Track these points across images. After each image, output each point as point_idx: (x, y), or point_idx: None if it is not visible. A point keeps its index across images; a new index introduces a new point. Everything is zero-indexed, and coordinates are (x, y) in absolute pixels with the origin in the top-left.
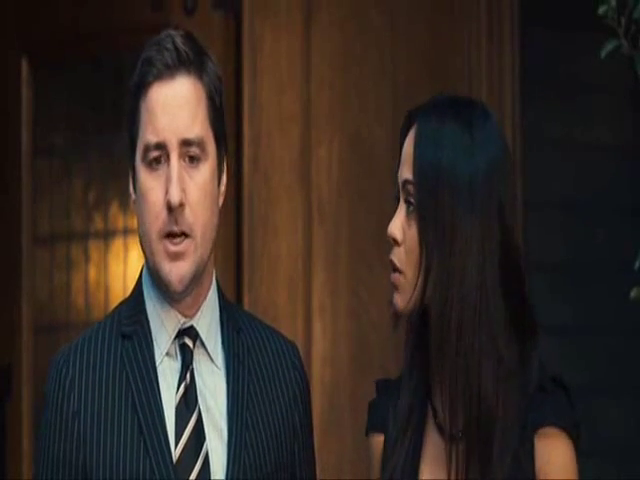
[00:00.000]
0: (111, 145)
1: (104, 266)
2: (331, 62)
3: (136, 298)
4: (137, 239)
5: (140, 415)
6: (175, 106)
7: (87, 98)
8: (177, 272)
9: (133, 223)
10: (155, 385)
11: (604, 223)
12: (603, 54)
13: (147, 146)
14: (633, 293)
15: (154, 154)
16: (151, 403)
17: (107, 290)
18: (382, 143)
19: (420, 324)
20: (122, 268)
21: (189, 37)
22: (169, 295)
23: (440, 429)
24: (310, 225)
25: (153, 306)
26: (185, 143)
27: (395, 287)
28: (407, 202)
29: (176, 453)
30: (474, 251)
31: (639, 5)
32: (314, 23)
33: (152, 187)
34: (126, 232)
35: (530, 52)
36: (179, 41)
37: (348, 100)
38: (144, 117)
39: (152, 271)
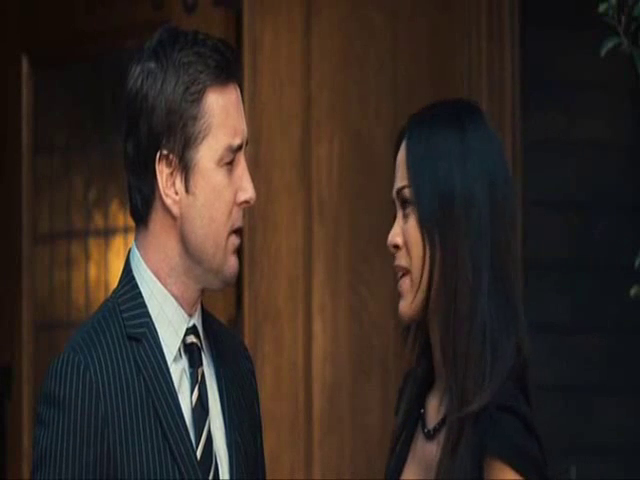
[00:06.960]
0: (111, 143)
1: (104, 264)
2: (331, 61)
3: (134, 297)
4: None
5: (162, 419)
6: (240, 106)
7: (87, 96)
8: (237, 265)
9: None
10: (172, 388)
11: (604, 221)
12: (603, 52)
13: (230, 147)
14: (633, 291)
15: (233, 154)
16: (172, 407)
17: (107, 288)
18: (382, 142)
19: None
20: (122, 266)
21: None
22: (216, 288)
23: (427, 436)
24: (310, 223)
25: (160, 307)
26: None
27: (400, 294)
28: (402, 207)
29: (197, 454)
30: (467, 251)
31: (639, 3)
32: (315, 22)
33: (226, 185)
34: (126, 230)
35: (530, 50)
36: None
37: (348, 99)
38: (218, 117)
39: (209, 266)
